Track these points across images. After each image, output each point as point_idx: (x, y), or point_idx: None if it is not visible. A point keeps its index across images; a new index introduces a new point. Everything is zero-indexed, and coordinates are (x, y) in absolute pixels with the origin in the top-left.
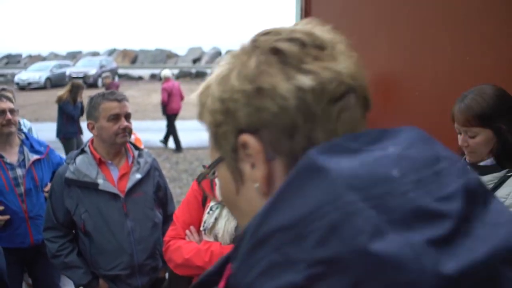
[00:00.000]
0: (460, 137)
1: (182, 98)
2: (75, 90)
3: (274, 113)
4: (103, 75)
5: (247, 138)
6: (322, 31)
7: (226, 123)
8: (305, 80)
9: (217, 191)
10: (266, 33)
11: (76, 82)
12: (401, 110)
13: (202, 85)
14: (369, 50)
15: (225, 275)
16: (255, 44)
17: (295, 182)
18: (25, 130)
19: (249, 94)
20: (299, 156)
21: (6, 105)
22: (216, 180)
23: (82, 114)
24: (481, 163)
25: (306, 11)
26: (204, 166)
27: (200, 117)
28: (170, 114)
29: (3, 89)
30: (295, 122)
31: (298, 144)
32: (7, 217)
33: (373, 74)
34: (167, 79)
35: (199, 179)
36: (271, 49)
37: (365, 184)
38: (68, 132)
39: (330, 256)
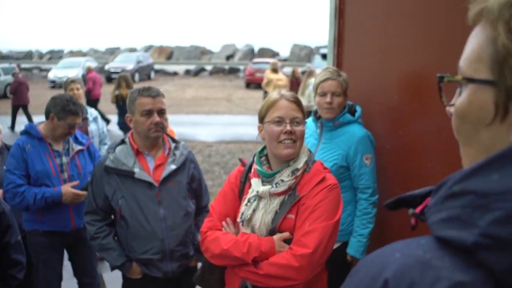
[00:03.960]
0: None
1: (101, 86)
2: (124, 82)
3: None
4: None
5: None
6: None
7: None
8: None
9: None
10: None
11: (121, 74)
12: (433, 109)
13: None
14: (402, 47)
15: (425, 203)
16: None
17: (504, 157)
18: (90, 118)
19: None
20: None
21: (79, 120)
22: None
23: None
24: None
25: (340, 9)
26: (240, 160)
27: (492, 21)
28: (93, 99)
29: (72, 81)
30: None
31: None
32: (84, 193)
33: (406, 71)
34: (90, 70)
35: (441, 79)
36: None
37: None
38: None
39: (502, 236)
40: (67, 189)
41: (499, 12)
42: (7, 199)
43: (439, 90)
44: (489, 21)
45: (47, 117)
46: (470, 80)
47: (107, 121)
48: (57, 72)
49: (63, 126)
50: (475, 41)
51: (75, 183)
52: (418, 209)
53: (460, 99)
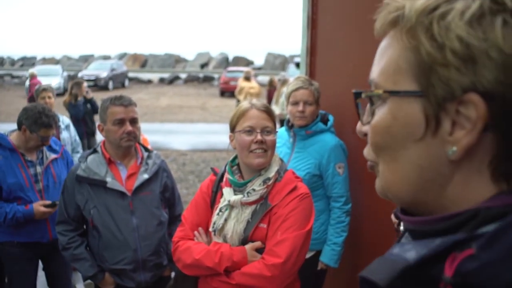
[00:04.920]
0: None
1: None
2: (74, 89)
3: None
4: None
5: (477, 100)
6: None
7: (458, 71)
8: None
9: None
10: None
11: (75, 80)
12: None
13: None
14: (373, 57)
15: (457, 260)
16: None
17: None
18: (63, 126)
19: None
20: None
21: (52, 132)
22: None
23: (91, 112)
24: None
25: (313, 19)
26: (212, 169)
27: (408, 30)
28: None
29: (44, 89)
30: None
31: None
32: (52, 210)
33: None
34: (34, 76)
35: (358, 96)
36: None
37: None
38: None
39: None
40: (39, 208)
41: (417, 19)
42: None
43: (356, 107)
44: (406, 29)
45: (19, 128)
46: (393, 93)
47: None
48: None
49: (35, 139)
50: (390, 52)
51: (47, 202)
52: (450, 272)
53: (380, 115)
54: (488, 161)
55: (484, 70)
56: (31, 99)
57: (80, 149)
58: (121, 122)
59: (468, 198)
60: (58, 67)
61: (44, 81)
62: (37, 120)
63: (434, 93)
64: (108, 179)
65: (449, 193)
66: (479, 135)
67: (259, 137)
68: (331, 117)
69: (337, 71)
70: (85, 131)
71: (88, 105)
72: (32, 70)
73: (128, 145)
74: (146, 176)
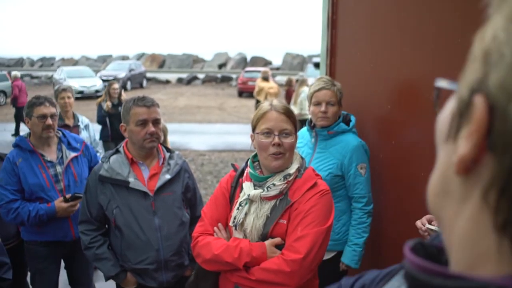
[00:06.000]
0: None
1: (26, 94)
2: (108, 90)
3: None
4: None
5: (478, 102)
6: None
7: (474, 67)
8: None
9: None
10: None
11: (109, 82)
12: (425, 118)
13: None
14: (393, 58)
15: None
16: None
17: None
18: (82, 126)
19: None
20: None
21: (48, 110)
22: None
23: (115, 114)
24: None
25: (332, 19)
26: (233, 165)
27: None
28: (20, 107)
29: (64, 90)
30: None
31: None
32: (74, 203)
33: (398, 81)
34: (16, 78)
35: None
36: None
37: None
38: (101, 135)
39: None
40: (60, 205)
41: None
42: (2, 214)
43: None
44: None
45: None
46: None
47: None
48: (83, 82)
49: (36, 123)
50: None
51: (67, 196)
52: None
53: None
54: (483, 191)
55: (493, 68)
56: (14, 100)
57: (99, 148)
58: (144, 123)
59: (471, 247)
60: (88, 68)
61: (84, 83)
62: (29, 104)
63: (461, 85)
64: (131, 179)
65: (457, 225)
66: (477, 148)
67: (276, 140)
68: (353, 118)
69: (357, 71)
70: (110, 134)
71: (120, 108)
72: (16, 72)
73: (151, 146)
74: (168, 176)
